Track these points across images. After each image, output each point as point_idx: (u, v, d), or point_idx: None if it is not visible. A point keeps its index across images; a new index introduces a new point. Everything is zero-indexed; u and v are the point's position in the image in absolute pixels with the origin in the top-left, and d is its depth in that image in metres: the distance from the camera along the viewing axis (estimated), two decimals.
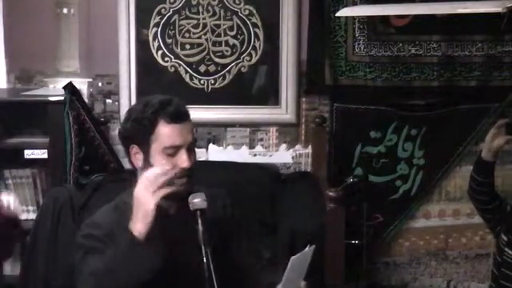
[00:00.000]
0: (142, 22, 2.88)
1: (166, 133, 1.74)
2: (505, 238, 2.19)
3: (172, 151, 1.74)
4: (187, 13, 2.89)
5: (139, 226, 1.60)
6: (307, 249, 1.73)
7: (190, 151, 1.77)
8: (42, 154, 2.59)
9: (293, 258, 1.66)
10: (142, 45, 2.90)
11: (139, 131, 1.76)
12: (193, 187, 1.76)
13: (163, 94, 1.85)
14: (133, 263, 1.60)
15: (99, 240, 1.72)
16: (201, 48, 2.92)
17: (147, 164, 1.77)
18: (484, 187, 2.24)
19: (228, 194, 2.00)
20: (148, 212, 1.60)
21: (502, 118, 2.41)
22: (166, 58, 2.91)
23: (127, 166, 2.79)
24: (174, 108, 1.75)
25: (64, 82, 2.66)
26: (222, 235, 1.88)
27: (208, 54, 2.92)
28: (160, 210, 1.81)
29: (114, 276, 1.60)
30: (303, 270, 1.76)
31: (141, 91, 2.90)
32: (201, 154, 2.88)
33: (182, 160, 1.74)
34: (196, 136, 1.89)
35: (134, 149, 1.79)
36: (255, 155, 2.98)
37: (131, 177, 1.93)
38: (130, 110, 1.84)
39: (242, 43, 2.92)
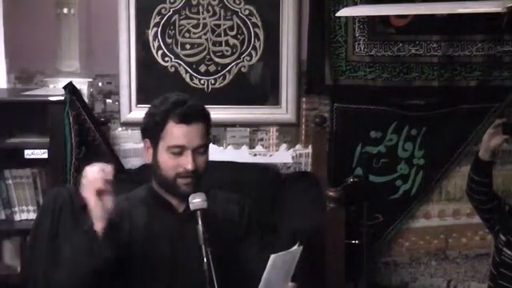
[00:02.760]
0: (142, 22, 2.88)
1: (172, 132, 1.77)
2: (503, 238, 2.19)
3: (176, 151, 1.76)
4: (187, 13, 2.89)
5: (96, 223, 1.64)
6: (294, 248, 1.65)
7: (197, 154, 1.78)
8: (42, 154, 2.58)
9: (273, 255, 1.57)
10: (142, 45, 2.90)
11: (151, 126, 1.81)
12: (197, 189, 1.77)
13: (157, 95, 1.89)
14: (89, 254, 1.63)
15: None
16: (201, 48, 2.92)
17: (155, 160, 1.81)
18: (482, 187, 2.24)
19: (246, 198, 2.00)
20: (92, 210, 1.63)
21: (500, 118, 2.41)
22: (166, 58, 2.91)
23: (127, 165, 2.82)
24: (184, 109, 1.78)
25: (64, 82, 2.66)
26: (234, 238, 1.88)
27: (208, 53, 2.92)
28: (168, 206, 1.84)
29: (75, 264, 1.65)
30: (289, 270, 1.67)
31: (141, 91, 2.90)
32: None
33: (186, 161, 1.76)
34: (208, 139, 1.88)
35: (147, 143, 1.83)
36: (255, 155, 2.99)
37: (136, 176, 1.94)
38: (150, 106, 1.87)
39: (242, 43, 2.92)
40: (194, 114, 1.79)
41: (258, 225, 1.98)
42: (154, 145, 1.80)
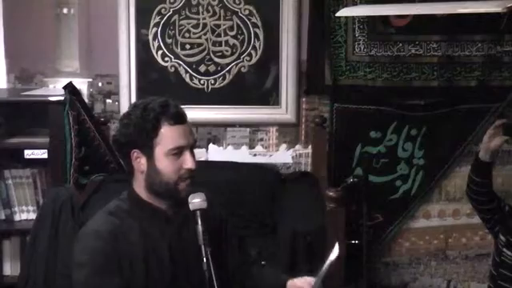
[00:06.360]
0: (142, 22, 2.88)
1: (169, 135, 1.73)
2: (503, 239, 2.19)
3: (177, 152, 1.74)
4: (187, 13, 2.89)
5: None
6: (336, 249, 1.76)
7: (192, 152, 1.78)
8: (42, 154, 2.59)
9: (331, 256, 1.74)
10: (142, 45, 2.90)
11: (141, 136, 1.73)
12: (193, 189, 1.76)
13: (157, 95, 1.82)
14: None
15: (105, 255, 1.70)
16: (201, 48, 2.92)
17: (152, 168, 1.75)
18: (482, 188, 2.24)
19: (212, 194, 1.98)
20: None
21: (500, 119, 2.41)
22: (166, 58, 2.91)
23: None
24: (174, 110, 1.75)
25: (64, 82, 2.66)
26: (212, 236, 1.87)
27: (208, 54, 2.92)
28: (159, 212, 1.82)
29: None
30: (326, 268, 1.78)
31: (141, 91, 2.90)
32: (201, 154, 2.88)
33: (188, 161, 1.74)
34: (196, 136, 1.87)
35: (136, 154, 1.76)
36: (255, 155, 2.99)
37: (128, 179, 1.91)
38: (128, 116, 1.78)
39: (241, 43, 2.92)
40: (183, 113, 1.77)
41: (229, 218, 1.97)
42: (148, 153, 1.74)
